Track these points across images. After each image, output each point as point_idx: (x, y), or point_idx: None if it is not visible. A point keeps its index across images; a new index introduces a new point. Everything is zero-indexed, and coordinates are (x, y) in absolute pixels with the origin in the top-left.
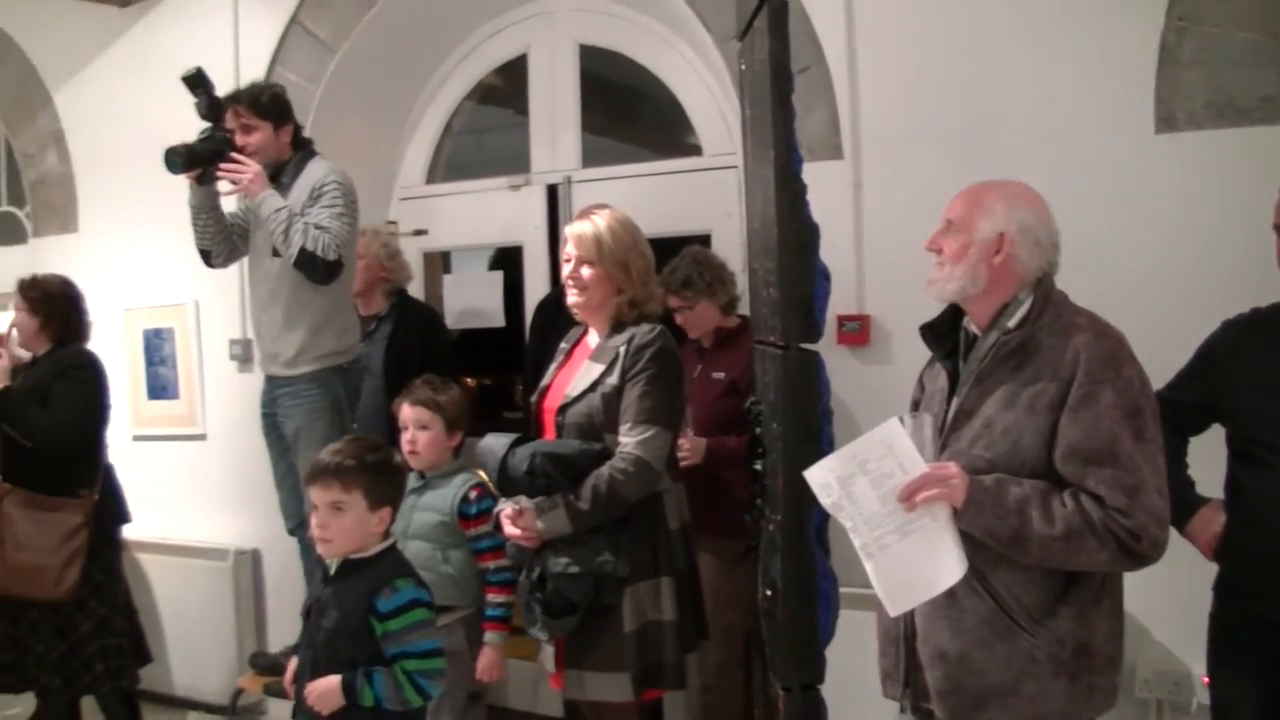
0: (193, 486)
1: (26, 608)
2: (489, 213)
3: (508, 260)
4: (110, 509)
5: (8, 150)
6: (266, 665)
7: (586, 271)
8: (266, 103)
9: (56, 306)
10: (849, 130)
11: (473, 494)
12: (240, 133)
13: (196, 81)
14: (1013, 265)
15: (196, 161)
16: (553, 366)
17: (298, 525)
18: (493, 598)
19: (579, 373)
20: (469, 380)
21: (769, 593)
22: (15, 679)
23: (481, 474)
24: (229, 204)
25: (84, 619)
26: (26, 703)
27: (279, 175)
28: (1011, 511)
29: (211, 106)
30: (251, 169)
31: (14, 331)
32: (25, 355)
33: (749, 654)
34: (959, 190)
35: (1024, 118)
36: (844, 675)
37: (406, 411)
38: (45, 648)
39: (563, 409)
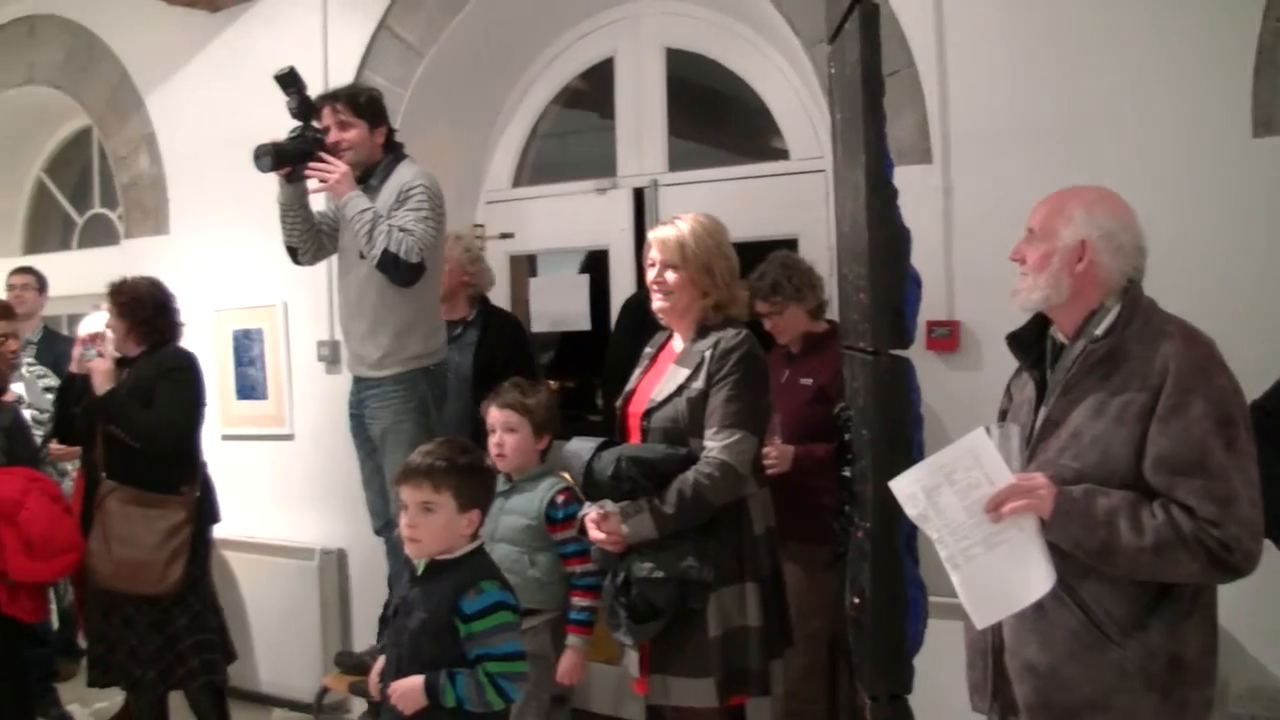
0: (280, 486)
1: (121, 602)
2: (575, 216)
3: (593, 264)
4: (206, 506)
5: (100, 153)
6: (351, 664)
7: (671, 276)
8: (364, 103)
9: (145, 309)
10: (938, 134)
11: (560, 498)
12: (336, 129)
13: (289, 81)
14: (1096, 272)
15: (285, 160)
16: (637, 371)
17: (384, 525)
18: (577, 601)
19: (664, 377)
20: (551, 383)
21: (857, 600)
22: (103, 673)
23: (568, 477)
24: (320, 204)
25: (181, 614)
26: (113, 697)
27: (368, 177)
28: (1100, 523)
29: (302, 106)
30: (339, 169)
31: (109, 333)
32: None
33: (834, 661)
34: (1050, 193)
35: (1117, 121)
36: (932, 686)
37: (494, 414)
38: (139, 641)
39: (648, 413)
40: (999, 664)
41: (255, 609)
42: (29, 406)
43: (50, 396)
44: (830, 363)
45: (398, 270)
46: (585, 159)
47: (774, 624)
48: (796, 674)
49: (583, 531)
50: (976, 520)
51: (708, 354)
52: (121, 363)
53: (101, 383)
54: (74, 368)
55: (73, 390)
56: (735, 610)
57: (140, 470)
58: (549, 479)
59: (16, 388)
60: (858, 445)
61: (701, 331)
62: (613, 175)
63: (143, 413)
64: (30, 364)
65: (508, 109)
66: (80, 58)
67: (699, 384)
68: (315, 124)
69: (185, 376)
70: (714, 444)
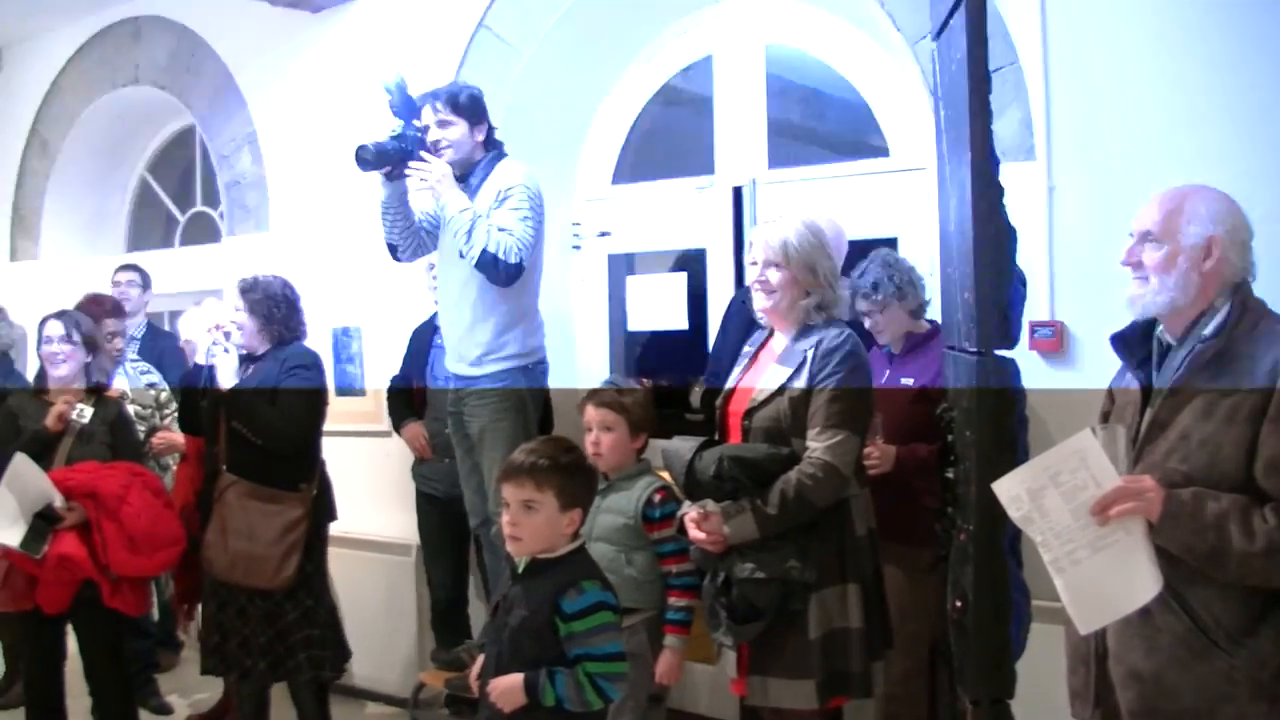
0: (378, 482)
1: (235, 593)
2: (673, 215)
3: (691, 262)
4: (323, 504)
5: (203, 152)
6: (448, 661)
7: (774, 275)
8: (464, 102)
9: (277, 308)
10: (1042, 131)
11: (656, 497)
12: (436, 128)
13: (394, 83)
14: (1222, 270)
15: (385, 159)
16: (737, 369)
17: (481, 523)
18: (674, 601)
19: (765, 376)
20: (644, 381)
21: (959, 603)
22: (219, 662)
23: (666, 476)
24: (422, 202)
25: (292, 608)
26: (211, 688)
27: (468, 176)
28: (1209, 527)
29: (404, 105)
30: (439, 169)
31: (234, 330)
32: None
33: (934, 664)
34: (1156, 193)
35: (1225, 116)
36: (1034, 691)
37: (591, 413)
38: (251, 632)
39: (749, 413)
40: (1102, 670)
41: (352, 604)
42: (132, 402)
43: (152, 392)
44: (932, 363)
45: (496, 270)
46: (683, 157)
47: (875, 626)
48: (896, 677)
49: (682, 531)
50: (1082, 523)
51: (810, 353)
52: (245, 359)
53: (228, 378)
54: (200, 359)
55: (199, 383)
56: (837, 612)
57: (261, 466)
58: (646, 478)
59: (119, 383)
60: (961, 446)
61: (804, 330)
62: (711, 173)
63: (268, 410)
64: (133, 359)
65: (606, 107)
66: (184, 58)
67: (801, 383)
68: (416, 123)
69: (310, 375)
70: (817, 444)
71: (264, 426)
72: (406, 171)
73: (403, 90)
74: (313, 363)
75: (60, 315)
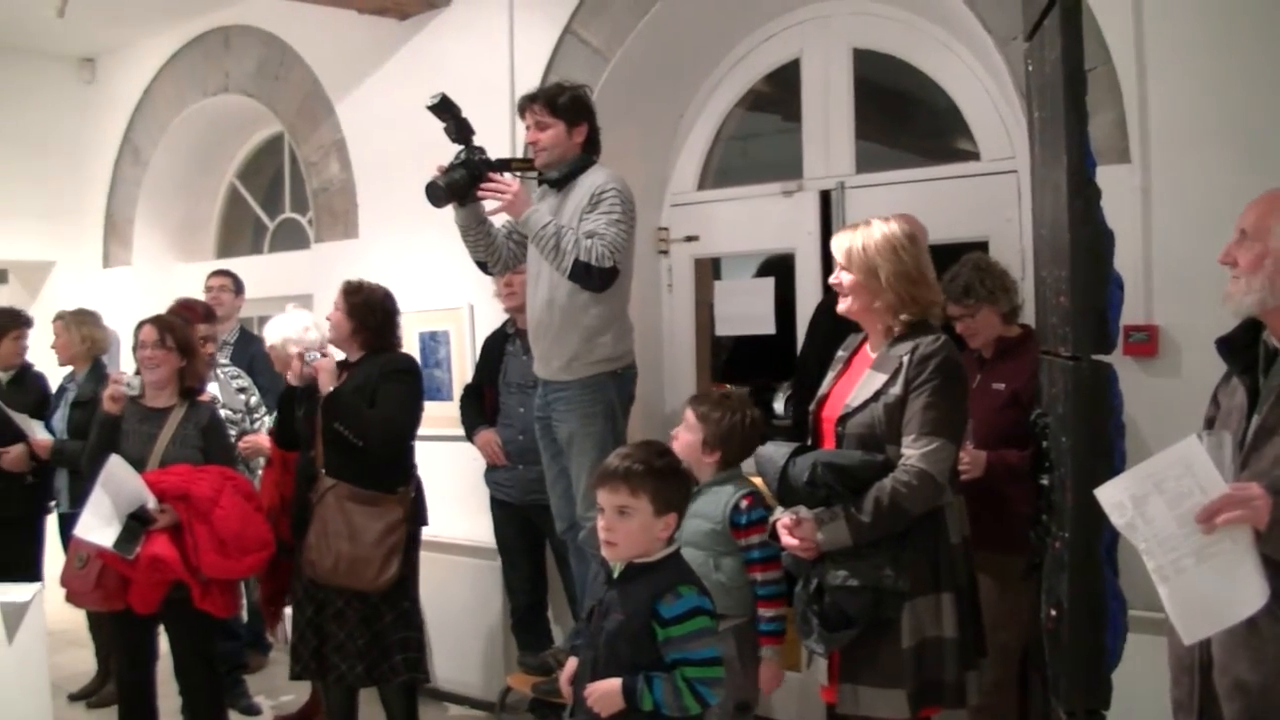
0: (465, 487)
1: (332, 596)
2: (761, 219)
3: (776, 266)
4: (417, 508)
5: (292, 159)
6: (534, 665)
7: (845, 278)
8: (564, 103)
9: (374, 316)
10: (1137, 133)
11: (744, 503)
12: (534, 129)
13: (442, 107)
14: None
15: (456, 191)
16: (830, 375)
17: (568, 528)
18: (764, 611)
19: (860, 382)
20: (727, 387)
21: (1054, 612)
22: (314, 665)
23: (755, 481)
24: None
25: (389, 610)
26: (299, 689)
27: (561, 178)
28: None
29: (459, 129)
30: (512, 188)
31: (328, 329)
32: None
33: (1025, 674)
34: (1254, 196)
35: None
36: (1130, 703)
37: (686, 410)
38: (347, 636)
39: (843, 419)
40: (1206, 682)
41: (438, 608)
42: (223, 406)
43: (243, 397)
44: (1024, 367)
45: (590, 277)
46: (769, 162)
47: (969, 635)
48: (987, 687)
49: (774, 536)
50: (1187, 531)
51: (906, 359)
52: (341, 365)
53: (326, 381)
54: (293, 379)
55: (296, 390)
56: (930, 621)
57: (359, 469)
58: (734, 482)
59: (211, 388)
60: (1056, 453)
61: (899, 336)
62: (798, 178)
63: (367, 411)
64: (224, 364)
65: (692, 112)
66: (273, 66)
67: (896, 390)
68: (476, 143)
69: (409, 379)
70: (912, 451)
71: (363, 427)
72: (479, 194)
73: (454, 114)
74: (410, 367)
75: (154, 321)
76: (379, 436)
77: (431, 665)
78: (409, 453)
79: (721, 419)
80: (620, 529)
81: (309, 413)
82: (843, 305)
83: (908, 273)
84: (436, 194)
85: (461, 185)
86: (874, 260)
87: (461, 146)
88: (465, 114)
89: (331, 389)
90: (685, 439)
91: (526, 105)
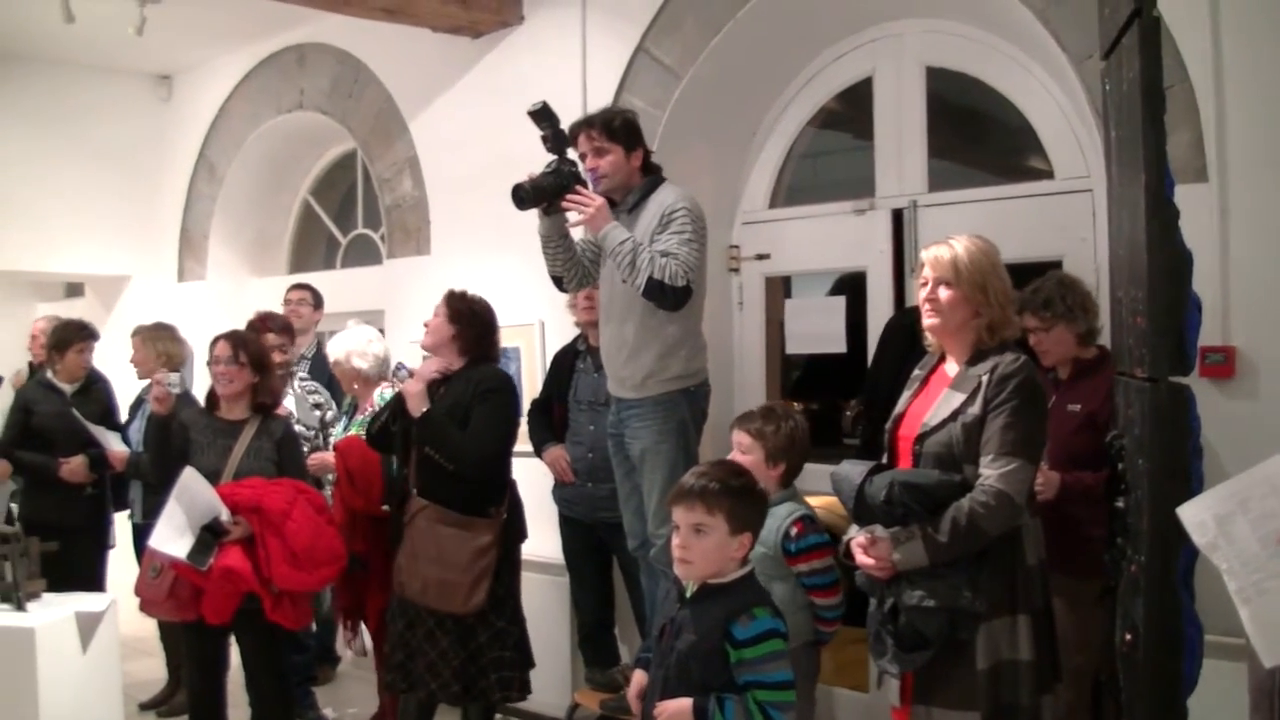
0: (534, 502)
1: (424, 615)
2: (832, 237)
3: (850, 285)
4: (514, 525)
5: (365, 175)
6: (603, 682)
7: (944, 293)
8: (619, 127)
9: (475, 326)
10: (1214, 152)
11: (794, 530)
12: (592, 156)
13: (542, 115)
14: None
15: (542, 197)
16: (907, 393)
17: (640, 545)
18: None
19: (938, 401)
20: (796, 405)
21: (1129, 637)
22: (403, 680)
23: (811, 502)
24: (580, 232)
25: (483, 630)
26: (366, 702)
27: (627, 201)
28: None
29: (556, 139)
30: (595, 202)
31: (423, 338)
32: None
33: (1098, 700)
34: None
35: None
36: None
37: (734, 435)
38: (439, 655)
39: (921, 438)
40: None
41: None
42: (297, 422)
43: (317, 413)
44: (1100, 389)
45: (664, 296)
46: (840, 180)
47: (1045, 658)
48: (1061, 711)
49: (848, 555)
50: (1271, 552)
51: (984, 379)
52: (438, 383)
53: (416, 405)
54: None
55: (391, 406)
56: (1006, 643)
57: (451, 491)
58: (787, 506)
59: (288, 403)
60: (1132, 475)
61: (977, 355)
62: (870, 196)
63: (459, 435)
64: (303, 379)
65: (764, 129)
66: (346, 84)
67: (975, 409)
68: (570, 156)
69: (502, 399)
70: (990, 472)
71: (454, 452)
72: (563, 205)
73: (553, 123)
74: (503, 385)
75: (228, 336)
76: (471, 461)
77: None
78: (505, 472)
79: (777, 430)
80: (696, 547)
81: (403, 430)
82: (934, 321)
83: (1008, 290)
84: (522, 195)
85: (547, 191)
86: (984, 275)
87: (555, 157)
88: (561, 124)
89: (423, 411)
90: (745, 461)
91: (581, 130)
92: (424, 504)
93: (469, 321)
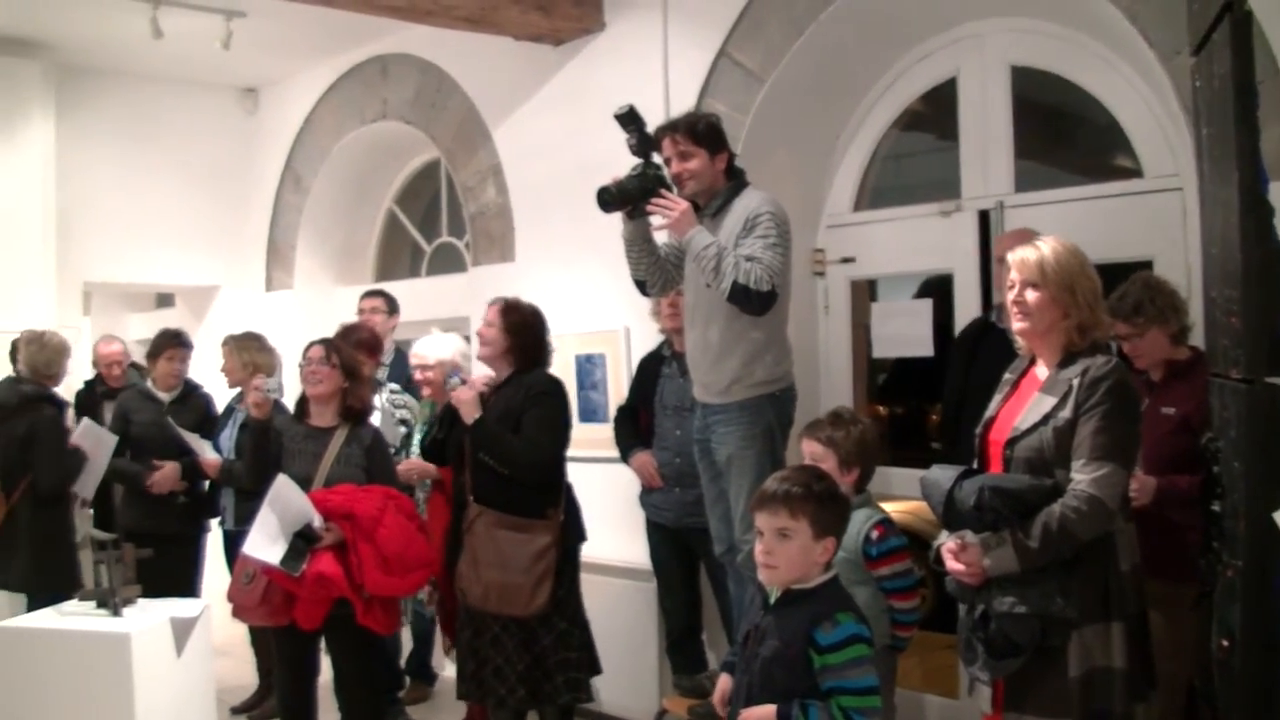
0: (621, 508)
1: (489, 622)
2: (917, 240)
3: (936, 288)
4: (572, 527)
5: (448, 184)
6: (690, 688)
7: (1031, 295)
8: (703, 130)
9: (529, 334)
10: None
11: (875, 533)
12: (677, 160)
13: (629, 119)
14: None
15: (627, 199)
16: (998, 397)
17: (726, 550)
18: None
19: (1028, 405)
20: (879, 409)
21: (1225, 643)
22: (475, 688)
23: (886, 508)
24: (664, 236)
25: (546, 633)
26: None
27: (712, 205)
28: None
29: (642, 143)
30: (680, 206)
31: (460, 360)
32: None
33: (1192, 707)
34: None
35: None
36: None
37: (804, 444)
38: (504, 661)
39: (1011, 442)
40: None
41: (594, 629)
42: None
43: (403, 430)
44: (1195, 391)
45: (748, 300)
46: (924, 182)
47: (1139, 665)
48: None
49: (938, 561)
50: None
51: (1076, 382)
52: (489, 392)
53: (469, 412)
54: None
55: (446, 414)
56: (1099, 650)
57: (508, 495)
58: (865, 511)
59: (372, 418)
60: (1228, 479)
61: (1068, 358)
62: (955, 198)
63: (512, 440)
64: (394, 391)
65: (848, 132)
66: (429, 94)
67: (1066, 413)
68: (655, 160)
69: (554, 403)
70: (1082, 476)
71: (508, 457)
72: (648, 210)
73: (639, 127)
74: (555, 389)
75: (322, 341)
76: (525, 464)
77: (592, 685)
78: (560, 475)
79: (847, 435)
80: (779, 552)
81: (457, 438)
82: (1022, 324)
83: (1097, 290)
84: (606, 197)
85: (632, 194)
86: (1071, 276)
87: (640, 161)
88: (648, 128)
89: (476, 418)
90: None
91: (666, 134)
92: (480, 510)
93: (524, 331)
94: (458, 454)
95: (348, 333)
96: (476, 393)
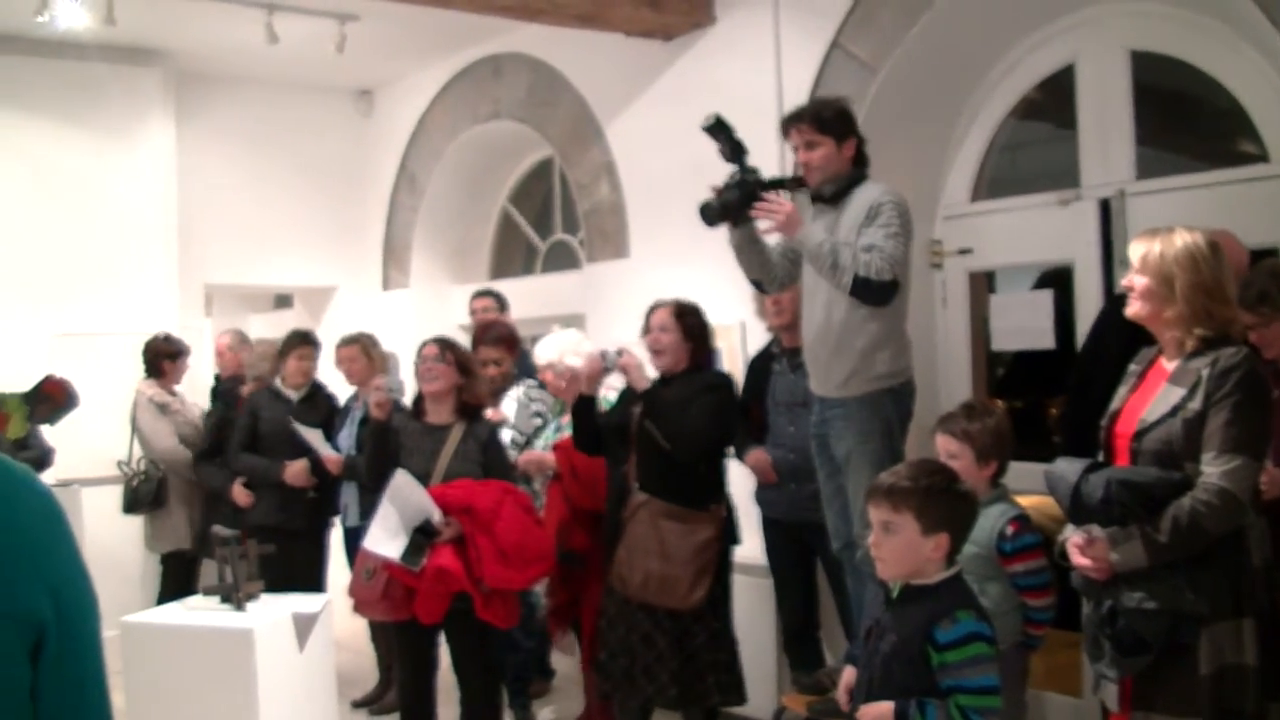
0: (737, 506)
1: (641, 618)
2: (1036, 230)
3: (1056, 279)
4: (730, 527)
5: (562, 182)
6: (809, 685)
7: (1138, 282)
8: (830, 118)
9: (703, 337)
10: None
11: (1010, 529)
12: (803, 149)
13: (717, 129)
14: None
15: (729, 212)
16: (1123, 389)
17: (844, 546)
18: (1034, 631)
19: (1156, 396)
20: (998, 403)
21: None
22: (624, 684)
23: (1022, 502)
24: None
25: (700, 631)
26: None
27: (832, 189)
28: None
29: (734, 150)
30: (785, 208)
31: (648, 354)
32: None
33: None
34: None
35: None
36: None
37: (938, 440)
38: (655, 659)
39: (1139, 434)
40: None
41: None
42: (512, 428)
43: (539, 421)
44: None
45: (870, 292)
46: (1042, 171)
47: (1271, 663)
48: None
49: (1064, 556)
50: None
51: (1205, 373)
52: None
53: (638, 377)
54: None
55: (588, 399)
56: (1230, 647)
57: (673, 484)
58: (1000, 506)
59: (506, 407)
60: None
61: (1197, 349)
62: (1075, 187)
63: (680, 414)
64: (531, 386)
65: (963, 122)
66: (542, 92)
67: (1196, 405)
68: (749, 164)
69: (725, 395)
70: (1213, 469)
71: (674, 429)
72: (753, 214)
73: (728, 134)
74: (726, 383)
75: (437, 339)
76: (688, 442)
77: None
78: (721, 468)
79: (982, 428)
80: (886, 545)
81: (622, 426)
82: (1132, 309)
83: (1205, 285)
84: (710, 214)
85: (735, 205)
86: (1170, 268)
87: (735, 167)
88: (738, 134)
89: (646, 386)
90: (954, 466)
91: (791, 125)
92: (645, 498)
93: (703, 333)
94: (622, 441)
95: (487, 328)
96: (640, 360)
